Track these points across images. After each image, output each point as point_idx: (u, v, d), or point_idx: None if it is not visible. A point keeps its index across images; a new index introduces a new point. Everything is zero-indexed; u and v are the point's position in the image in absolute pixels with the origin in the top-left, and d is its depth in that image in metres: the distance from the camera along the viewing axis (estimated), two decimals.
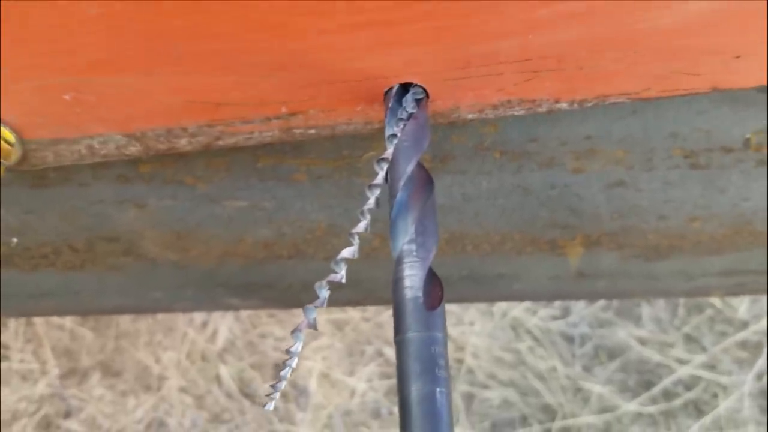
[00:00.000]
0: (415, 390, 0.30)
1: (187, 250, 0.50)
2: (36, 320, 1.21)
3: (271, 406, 0.35)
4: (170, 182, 0.44)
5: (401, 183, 0.35)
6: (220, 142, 0.41)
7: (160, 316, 1.19)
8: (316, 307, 0.35)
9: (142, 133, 0.40)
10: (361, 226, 0.35)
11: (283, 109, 0.39)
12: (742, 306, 1.34)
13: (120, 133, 0.39)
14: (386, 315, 1.28)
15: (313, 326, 0.35)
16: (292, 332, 0.35)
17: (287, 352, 0.35)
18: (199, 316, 1.20)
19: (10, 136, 0.38)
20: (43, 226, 0.46)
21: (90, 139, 0.39)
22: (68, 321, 1.21)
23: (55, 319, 1.21)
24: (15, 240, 0.46)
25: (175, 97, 0.38)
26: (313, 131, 0.40)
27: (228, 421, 1.14)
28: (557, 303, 1.34)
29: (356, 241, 0.35)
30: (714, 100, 0.40)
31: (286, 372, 0.35)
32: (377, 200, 0.35)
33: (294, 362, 0.35)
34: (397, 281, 0.33)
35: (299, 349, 0.35)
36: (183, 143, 0.40)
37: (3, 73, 0.35)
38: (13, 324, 1.20)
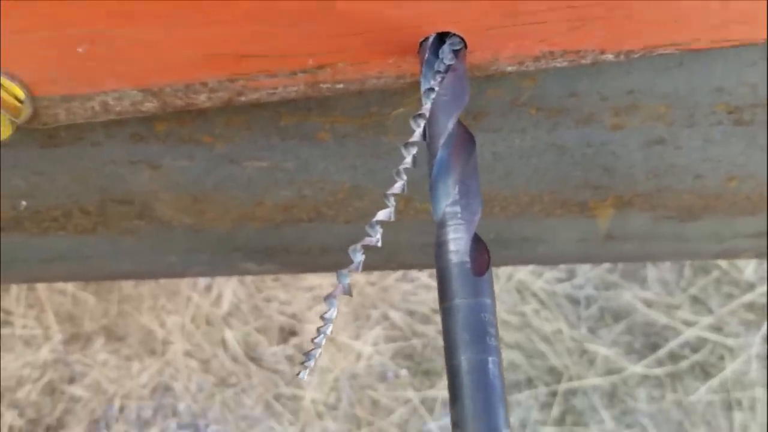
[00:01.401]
0: (465, 360, 0.28)
1: (203, 213, 0.48)
2: (38, 285, 1.19)
3: (305, 374, 0.33)
4: (187, 141, 0.42)
5: (441, 141, 0.33)
6: (242, 98, 0.38)
7: (163, 281, 1.18)
8: (350, 271, 0.33)
9: (159, 88, 0.37)
10: (398, 187, 0.33)
11: (310, 62, 0.37)
12: (749, 268, 1.34)
13: (136, 88, 0.37)
14: (391, 279, 1.27)
15: (347, 292, 0.33)
16: (326, 298, 0.33)
17: (322, 318, 0.33)
18: (203, 280, 1.18)
19: (20, 93, 0.36)
20: (54, 188, 0.44)
21: (104, 95, 0.37)
22: (70, 286, 1.19)
23: (57, 285, 1.19)
24: (24, 203, 0.44)
25: (193, 50, 0.35)
26: (341, 86, 0.38)
27: (234, 384, 1.14)
28: (562, 266, 1.33)
29: (392, 202, 0.33)
30: (764, 52, 0.38)
31: (321, 339, 0.33)
32: (414, 159, 0.33)
33: (329, 329, 0.33)
34: (441, 245, 0.31)
35: (334, 315, 0.33)
36: (202, 99, 0.38)
37: (11, 24, 0.32)
38: (14, 290, 1.18)
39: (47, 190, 0.44)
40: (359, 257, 0.33)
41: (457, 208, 0.31)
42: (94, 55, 0.35)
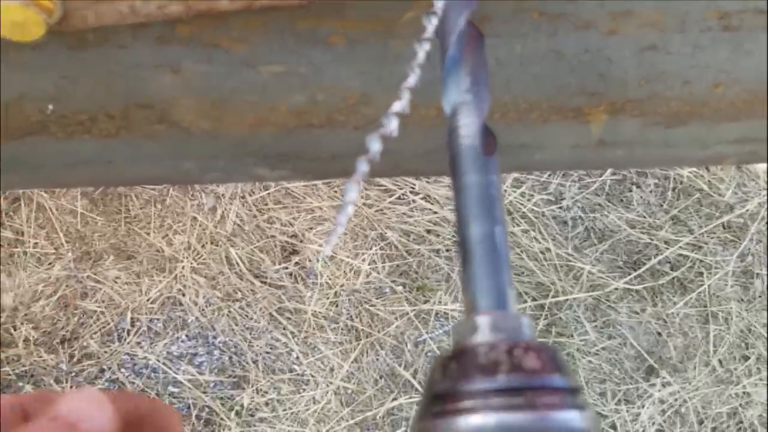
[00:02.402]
0: (475, 230, 0.32)
1: (220, 119, 0.50)
2: (47, 205, 1.21)
3: (329, 249, 0.37)
4: (207, 45, 0.44)
5: (453, 38, 0.36)
6: (261, 2, 0.40)
7: (168, 201, 1.21)
8: (368, 159, 0.36)
9: None
10: (411, 80, 0.36)
11: None
12: (729, 190, 1.39)
13: None
14: (387, 202, 1.30)
15: (364, 178, 0.37)
16: (346, 183, 0.36)
17: (342, 201, 0.37)
18: (207, 202, 1.21)
19: None
20: (80, 92, 0.46)
21: None
22: (79, 206, 1.22)
23: (66, 205, 1.21)
24: (51, 107, 0.47)
25: None
26: None
27: (240, 299, 1.19)
28: (552, 188, 1.37)
29: (407, 95, 0.36)
30: None
31: (343, 218, 0.37)
32: (427, 55, 0.36)
33: (350, 210, 0.37)
34: (452, 131, 0.34)
35: (354, 197, 0.36)
36: (224, 3, 0.40)
37: None
38: (24, 210, 1.21)
39: (74, 93, 0.46)
40: (376, 147, 0.36)
41: (468, 96, 0.34)
42: None
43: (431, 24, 0.36)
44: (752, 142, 0.56)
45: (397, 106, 0.36)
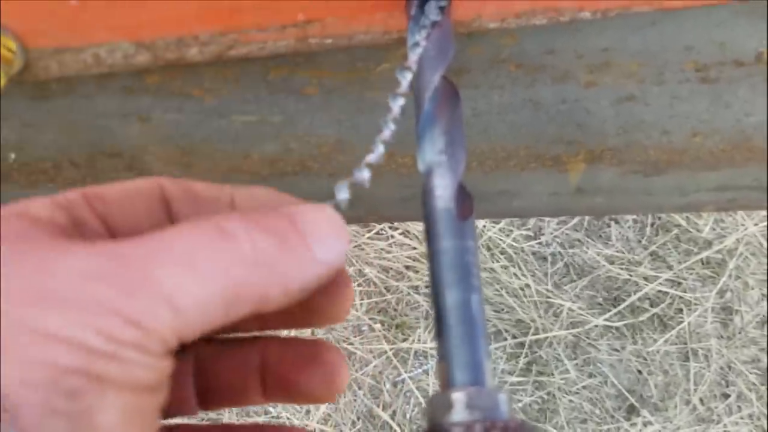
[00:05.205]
0: (450, 298, 0.30)
1: (191, 167, 0.49)
2: None
3: None
4: (177, 95, 0.43)
5: (427, 95, 0.35)
6: (232, 52, 0.39)
7: None
8: (335, 206, 0.34)
9: (152, 41, 0.38)
10: (386, 134, 0.35)
11: (300, 17, 0.38)
12: (707, 226, 1.39)
13: (128, 41, 0.38)
14: (365, 237, 1.29)
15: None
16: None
17: None
18: None
19: (11, 44, 0.36)
20: (44, 141, 0.44)
21: (96, 47, 0.38)
22: None
23: None
24: (13, 155, 0.45)
25: (186, 2, 0.36)
26: (329, 41, 0.39)
27: None
28: (531, 224, 1.37)
29: (380, 148, 0.35)
30: (733, 11, 0.40)
31: None
32: (402, 109, 0.34)
33: None
34: (427, 193, 0.33)
35: None
36: (193, 53, 0.39)
37: None
38: None
39: (37, 142, 0.44)
40: (344, 194, 0.33)
41: (443, 158, 0.33)
42: (87, 7, 0.35)
43: (405, 79, 0.35)
44: (731, 190, 0.56)
45: (371, 157, 0.35)
